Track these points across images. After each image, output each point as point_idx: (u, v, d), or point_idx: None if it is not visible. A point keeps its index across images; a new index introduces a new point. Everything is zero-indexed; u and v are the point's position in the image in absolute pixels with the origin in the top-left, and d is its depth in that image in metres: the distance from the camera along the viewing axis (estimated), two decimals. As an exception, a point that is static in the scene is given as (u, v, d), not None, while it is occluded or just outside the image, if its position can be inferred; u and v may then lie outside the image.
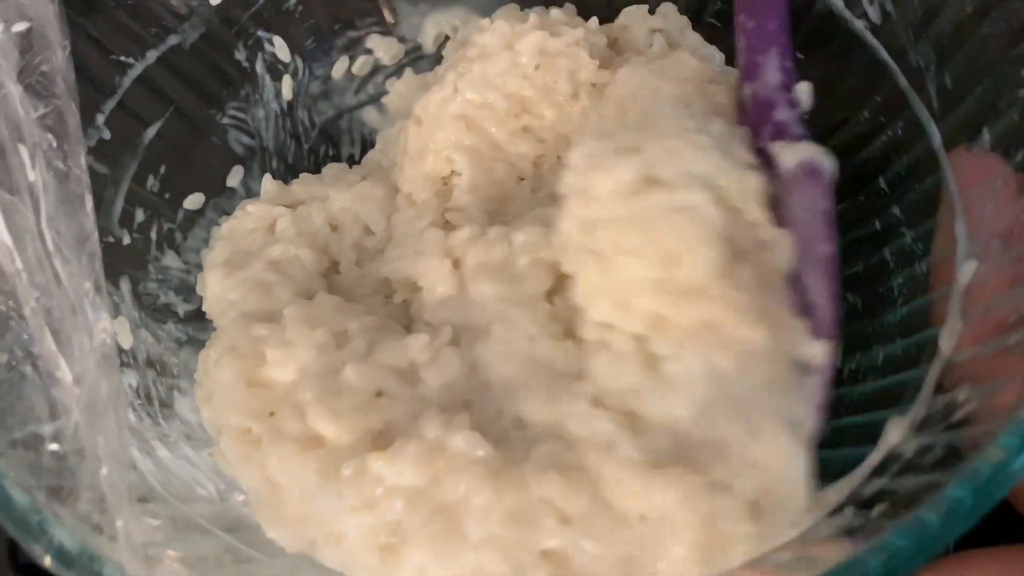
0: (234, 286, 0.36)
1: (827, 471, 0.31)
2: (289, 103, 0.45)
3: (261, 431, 0.31)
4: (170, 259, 0.40)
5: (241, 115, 0.44)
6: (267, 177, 0.43)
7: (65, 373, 0.24)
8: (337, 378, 0.31)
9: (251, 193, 0.43)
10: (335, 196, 0.40)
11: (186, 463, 0.33)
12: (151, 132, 0.40)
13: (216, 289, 0.37)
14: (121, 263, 0.38)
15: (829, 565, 0.22)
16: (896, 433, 0.29)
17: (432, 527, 0.28)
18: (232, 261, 0.38)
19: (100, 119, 0.37)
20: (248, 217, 0.40)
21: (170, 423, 0.35)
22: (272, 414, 0.31)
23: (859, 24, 0.39)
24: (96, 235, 0.26)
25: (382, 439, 0.30)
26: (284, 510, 0.30)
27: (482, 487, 0.28)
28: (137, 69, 0.39)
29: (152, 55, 0.39)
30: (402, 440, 0.29)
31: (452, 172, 0.40)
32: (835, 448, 0.32)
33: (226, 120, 0.43)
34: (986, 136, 0.32)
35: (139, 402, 0.35)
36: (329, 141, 0.46)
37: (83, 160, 0.27)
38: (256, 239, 0.39)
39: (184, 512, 0.30)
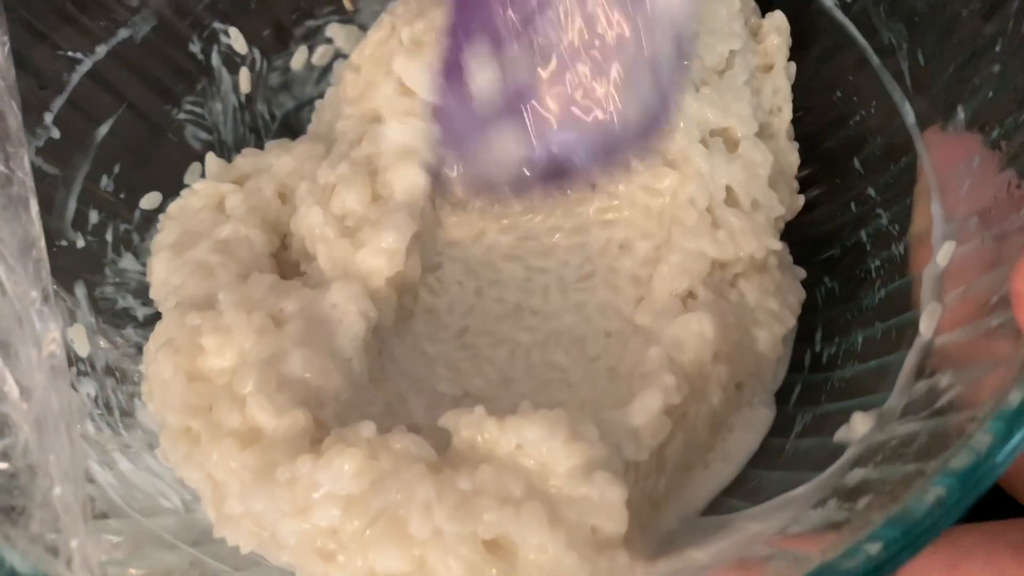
0: (177, 269, 0.35)
1: (809, 459, 0.30)
2: (247, 96, 0.44)
3: (200, 428, 0.30)
4: (127, 261, 0.38)
5: (198, 110, 0.42)
6: (210, 155, 0.41)
7: (12, 388, 0.23)
8: (278, 367, 0.30)
9: (211, 191, 0.42)
10: (278, 163, 0.39)
11: (149, 474, 0.32)
12: (103, 130, 0.38)
13: (162, 273, 0.35)
14: (76, 267, 0.36)
15: (816, 562, 0.21)
16: (862, 425, 0.29)
17: (375, 529, 0.27)
18: (180, 243, 0.36)
19: (48, 118, 0.36)
20: (195, 196, 0.38)
21: (131, 432, 0.34)
22: (211, 408, 0.30)
23: (829, 2, 0.38)
24: (43, 241, 0.25)
25: (320, 431, 0.30)
26: (229, 509, 0.29)
27: (424, 485, 0.27)
28: (86, 65, 0.37)
29: (102, 50, 0.38)
30: (338, 446, 0.28)
31: None
32: (816, 436, 0.32)
33: (182, 115, 0.41)
34: (961, 114, 0.31)
35: (98, 412, 0.33)
36: (290, 133, 0.44)
37: (27, 163, 0.26)
38: (205, 218, 0.37)
39: (147, 526, 0.29)
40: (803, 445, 0.32)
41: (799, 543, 0.24)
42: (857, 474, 0.26)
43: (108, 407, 0.34)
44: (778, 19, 0.39)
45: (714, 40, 0.37)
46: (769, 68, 0.39)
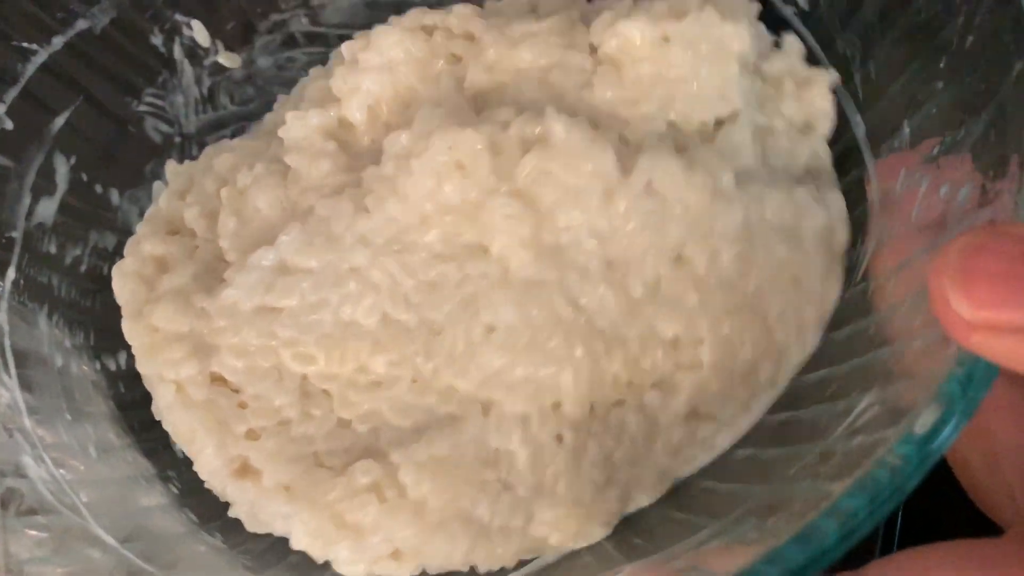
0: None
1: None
2: (210, 89, 0.43)
3: None
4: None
5: (159, 102, 0.42)
6: (157, 183, 0.42)
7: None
8: None
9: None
10: (218, 160, 0.38)
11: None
12: (59, 121, 0.38)
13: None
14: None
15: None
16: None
17: None
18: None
19: (1, 109, 0.36)
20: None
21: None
22: None
23: (788, 10, 0.38)
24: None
25: None
26: None
27: None
28: (42, 56, 0.37)
29: (58, 41, 0.38)
30: None
31: None
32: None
33: (142, 108, 0.41)
34: (906, 129, 0.31)
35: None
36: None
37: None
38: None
39: (77, 523, 0.29)
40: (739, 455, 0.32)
41: (708, 559, 0.24)
42: (771, 490, 0.26)
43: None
44: (833, 77, 0.35)
45: (691, 108, 0.34)
46: (808, 129, 0.35)
